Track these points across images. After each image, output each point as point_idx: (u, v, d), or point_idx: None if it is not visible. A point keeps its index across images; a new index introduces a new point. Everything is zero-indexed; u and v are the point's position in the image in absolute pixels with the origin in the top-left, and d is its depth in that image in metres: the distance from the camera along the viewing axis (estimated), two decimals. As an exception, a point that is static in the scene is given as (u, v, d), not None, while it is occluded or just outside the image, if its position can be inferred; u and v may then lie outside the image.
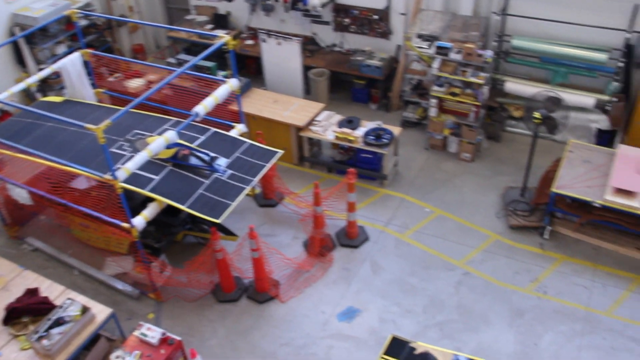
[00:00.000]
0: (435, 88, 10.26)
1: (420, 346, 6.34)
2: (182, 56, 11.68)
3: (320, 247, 8.66)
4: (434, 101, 10.35)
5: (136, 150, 7.87)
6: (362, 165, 10.00)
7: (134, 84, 11.17)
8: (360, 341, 7.53)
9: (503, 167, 10.42)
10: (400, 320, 7.77)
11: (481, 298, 8.03)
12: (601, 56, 9.94)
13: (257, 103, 10.57)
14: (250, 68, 12.94)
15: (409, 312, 7.87)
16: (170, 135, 7.42)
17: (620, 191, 8.36)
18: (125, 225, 7.35)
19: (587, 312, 7.83)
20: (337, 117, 10.33)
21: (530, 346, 7.42)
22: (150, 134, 8.35)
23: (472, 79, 9.94)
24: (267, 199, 9.80)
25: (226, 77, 10.16)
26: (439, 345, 7.31)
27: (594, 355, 7.30)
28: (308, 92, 11.94)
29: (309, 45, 12.41)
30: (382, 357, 6.22)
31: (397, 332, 7.48)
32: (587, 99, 10.25)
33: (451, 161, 10.61)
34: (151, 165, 7.69)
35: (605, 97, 10.16)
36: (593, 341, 7.47)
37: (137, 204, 7.72)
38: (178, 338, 6.66)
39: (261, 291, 8.13)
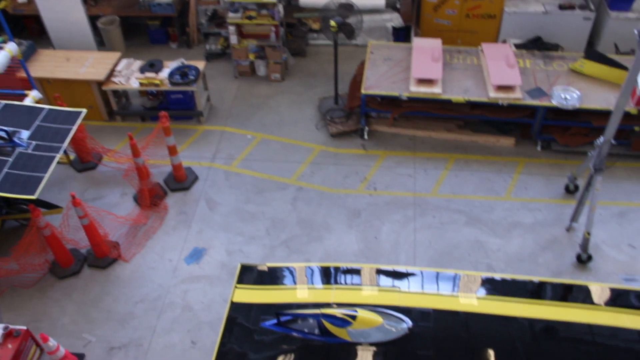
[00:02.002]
0: (231, 15, 10.14)
1: (270, 266, 6.54)
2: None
3: (151, 197, 8.46)
4: (232, 28, 10.25)
5: None
6: (175, 106, 9.76)
7: None
8: (213, 278, 7.60)
9: (313, 80, 10.71)
10: (247, 248, 7.93)
11: (318, 208, 8.39)
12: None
13: (48, 65, 9.79)
14: (31, 29, 11.87)
15: (253, 238, 8.04)
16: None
17: (422, 81, 8.98)
18: None
19: (415, 197, 8.50)
20: (138, 63, 9.90)
21: (372, 241, 7.95)
22: None
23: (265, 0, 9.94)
24: (84, 162, 9.28)
25: (3, 42, 9.25)
26: (288, 262, 7.62)
27: (428, 233, 8.00)
28: (102, 43, 11.28)
29: (90, -7, 11.61)
30: (237, 286, 6.35)
31: (246, 260, 7.67)
32: (378, 0, 10.70)
33: (263, 84, 10.69)
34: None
35: (393, -4, 10.68)
36: (425, 222, 8.16)
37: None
38: (24, 328, 6.30)
39: (101, 256, 7.84)
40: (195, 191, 8.75)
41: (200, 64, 9.74)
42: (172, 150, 8.50)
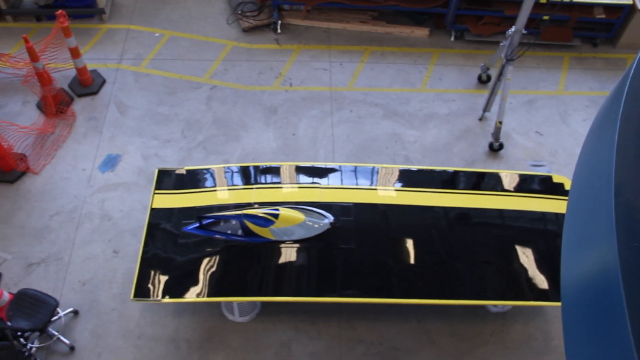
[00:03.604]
0: None
1: (189, 169, 6.43)
2: None
3: (56, 104, 7.98)
4: None
5: None
6: (73, 3, 9.02)
7: None
8: (131, 184, 7.41)
9: (220, -29, 10.14)
10: (163, 151, 7.72)
11: (233, 107, 8.20)
12: None
13: None
14: None
15: (168, 141, 7.83)
16: None
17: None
18: None
19: (332, 92, 8.43)
20: (27, -45, 9.02)
21: (289, 137, 7.91)
22: None
23: None
24: (-23, 68, 8.59)
25: None
26: (207, 163, 7.51)
27: (345, 127, 8.02)
28: None
29: None
30: (156, 192, 6.24)
31: (163, 164, 7.50)
32: None
33: (167, -23, 10.04)
34: None
35: None
36: (342, 116, 8.16)
37: None
38: None
39: (8, 170, 7.43)
40: (103, 95, 8.32)
41: (97, -44, 8.99)
42: (75, 53, 7.97)
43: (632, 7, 8.86)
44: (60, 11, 7.60)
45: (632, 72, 2.25)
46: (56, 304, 5.91)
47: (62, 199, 7.27)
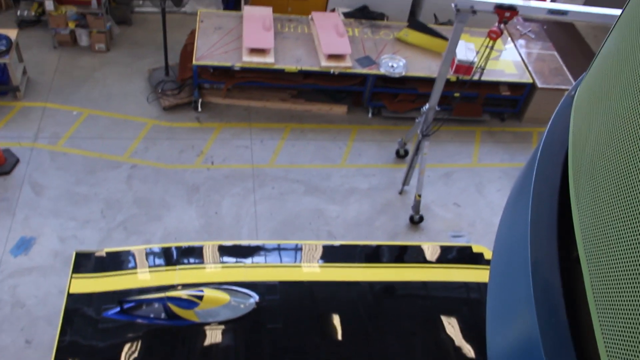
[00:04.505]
0: (45, -21, 9.30)
1: (109, 251, 6.23)
2: None
3: (-35, 185, 7.65)
4: (47, -6, 9.41)
5: None
6: (-14, 81, 8.83)
7: None
8: (46, 268, 7.08)
9: (141, 50, 10.20)
10: (82, 233, 7.46)
11: (155, 186, 8.09)
12: None
13: None
14: None
15: (87, 222, 7.59)
16: None
17: (254, 50, 8.91)
18: None
19: (254, 169, 8.49)
20: (-63, 33, 8.78)
21: (212, 216, 7.84)
22: None
23: (82, -37, 9.22)
24: None
25: None
26: (127, 244, 7.30)
27: (268, 204, 8.05)
28: None
29: None
30: (73, 276, 5.98)
31: (81, 246, 7.24)
32: (202, -34, 10.37)
33: (86, 55, 9.98)
34: None
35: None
36: (265, 193, 8.20)
37: None
38: None
39: None
40: (17, 175, 8.02)
41: (12, 33, 8.85)
42: (-13, 132, 7.72)
43: (533, 85, 9.53)
44: (-28, 90, 7.39)
45: (539, 152, 2.41)
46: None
47: (-31, 286, 6.84)
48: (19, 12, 10.23)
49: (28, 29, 10.21)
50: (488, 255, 6.48)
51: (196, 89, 9.13)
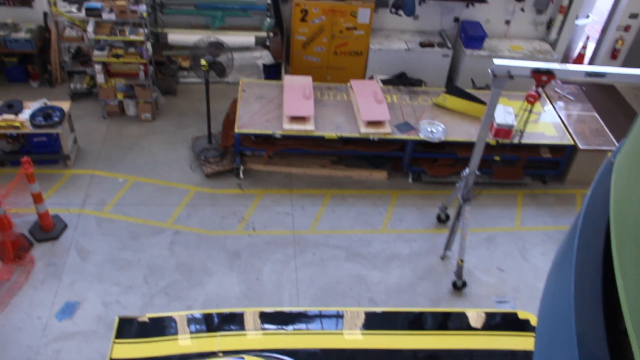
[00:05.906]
0: (97, 53, 9.77)
1: (150, 317, 6.27)
2: None
3: (14, 250, 7.85)
4: (98, 67, 9.87)
5: None
6: (38, 150, 9.18)
7: None
8: (89, 333, 7.15)
9: (185, 119, 10.52)
10: (124, 298, 7.55)
11: (196, 252, 8.18)
12: (248, -4, 10.48)
13: None
14: None
15: (130, 287, 7.68)
16: None
17: (295, 118, 9.10)
18: None
19: (294, 235, 8.53)
20: (-6, 106, 9.25)
21: (253, 282, 7.85)
22: None
23: (132, 37, 9.67)
24: None
25: None
26: (169, 310, 7.35)
27: (309, 270, 8.04)
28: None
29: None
30: (115, 341, 6.02)
31: (123, 312, 7.30)
32: (247, 38, 10.80)
33: (133, 125, 10.35)
34: None
35: (263, 34, 10.80)
36: (305, 259, 8.20)
37: None
38: None
39: (-42, 320, 7.14)
40: (64, 240, 8.23)
41: (65, 105, 9.27)
42: (37, 198, 7.97)
43: (574, 146, 9.44)
44: (25, 158, 7.68)
45: (580, 220, 2.37)
46: None
47: (14, 350, 6.93)
48: (72, 85, 10.73)
49: (80, 100, 10.68)
50: (534, 321, 6.29)
51: (238, 157, 9.31)
